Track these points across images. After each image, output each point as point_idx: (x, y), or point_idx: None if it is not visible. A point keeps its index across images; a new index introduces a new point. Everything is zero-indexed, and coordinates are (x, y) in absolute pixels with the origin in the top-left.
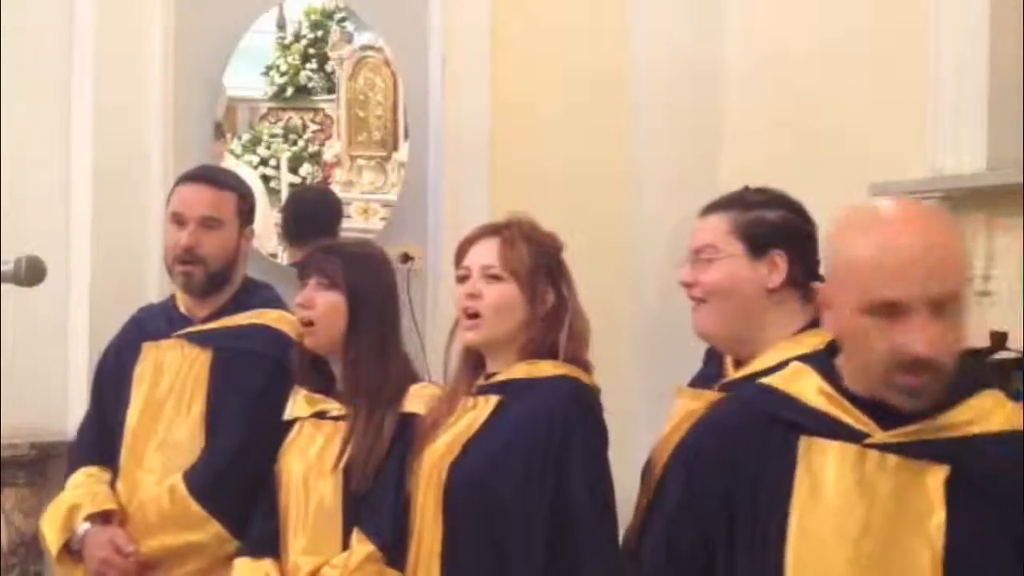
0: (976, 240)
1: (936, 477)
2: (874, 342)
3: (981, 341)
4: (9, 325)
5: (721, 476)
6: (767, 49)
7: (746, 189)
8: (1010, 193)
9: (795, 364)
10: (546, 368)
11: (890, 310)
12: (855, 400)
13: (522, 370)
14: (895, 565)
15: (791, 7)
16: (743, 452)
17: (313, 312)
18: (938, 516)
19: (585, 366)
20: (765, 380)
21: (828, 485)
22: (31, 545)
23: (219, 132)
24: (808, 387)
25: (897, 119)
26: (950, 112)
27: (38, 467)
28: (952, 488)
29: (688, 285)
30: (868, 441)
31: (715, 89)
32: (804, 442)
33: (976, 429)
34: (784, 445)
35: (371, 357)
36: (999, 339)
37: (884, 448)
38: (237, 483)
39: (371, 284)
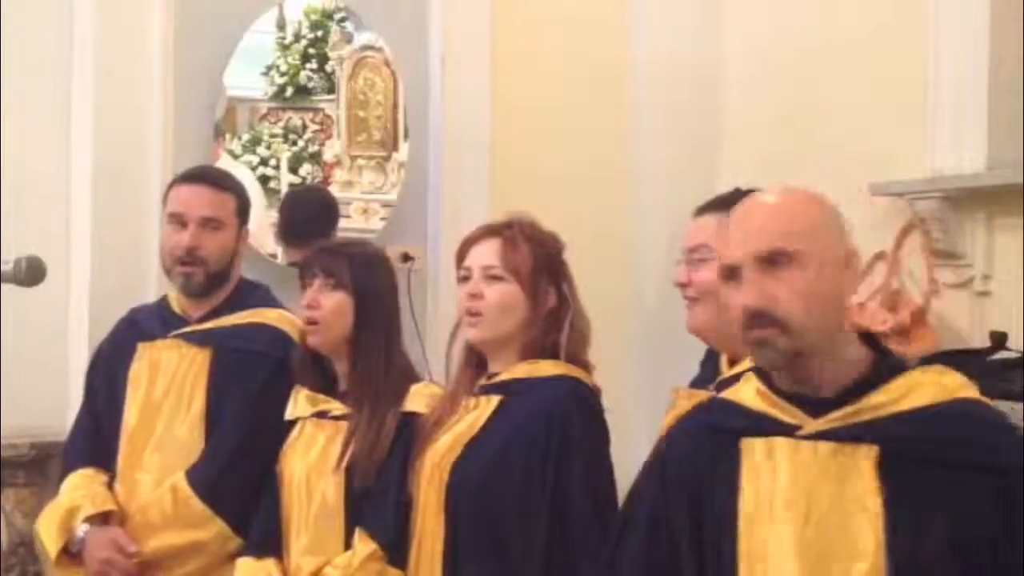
0: (976, 240)
1: (867, 458)
2: (729, 307)
3: (981, 341)
4: (9, 325)
5: (684, 486)
6: (767, 49)
7: (738, 191)
8: (1010, 193)
9: (747, 372)
10: (547, 368)
11: (731, 273)
12: (787, 396)
13: (523, 370)
14: (839, 548)
15: (791, 7)
16: (700, 460)
17: (319, 312)
18: (874, 496)
19: (585, 366)
20: (720, 394)
21: (767, 481)
22: (31, 545)
23: (219, 132)
24: (749, 392)
25: (897, 119)
26: (950, 112)
27: (38, 467)
28: (885, 467)
29: (682, 285)
30: (800, 432)
31: (715, 89)
32: (745, 444)
33: (904, 406)
34: (730, 450)
35: (378, 356)
36: (999, 339)
37: (817, 437)
38: (239, 481)
39: (377, 284)
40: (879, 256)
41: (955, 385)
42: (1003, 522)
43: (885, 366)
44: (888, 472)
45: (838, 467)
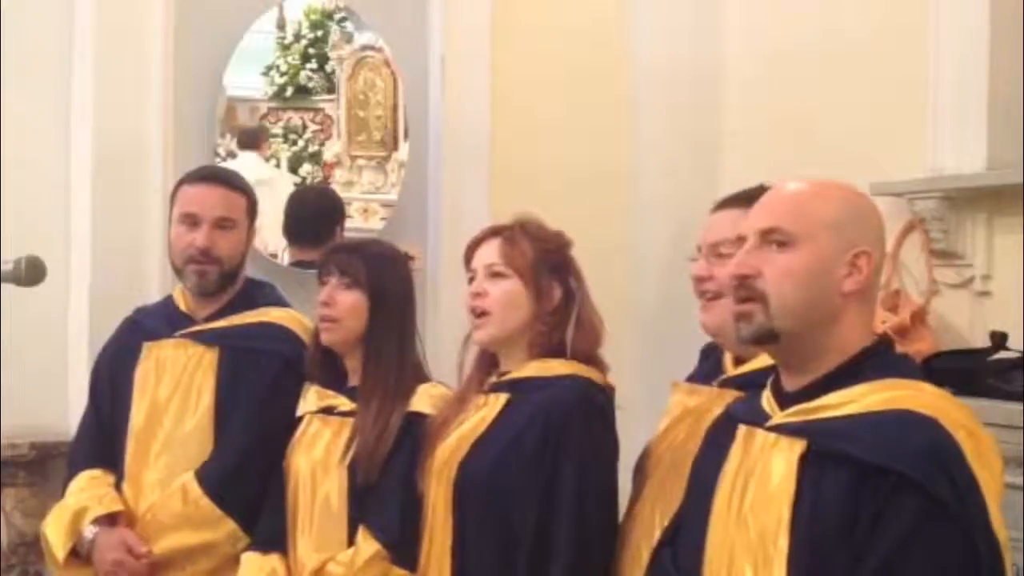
0: (976, 240)
1: (794, 452)
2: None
3: (981, 341)
4: (9, 325)
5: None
6: (767, 49)
7: (761, 187)
8: (1010, 193)
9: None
10: (556, 367)
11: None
12: (777, 388)
13: (533, 369)
14: (757, 531)
15: (791, 7)
16: (717, 442)
17: (334, 311)
18: (789, 487)
19: (599, 364)
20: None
21: (731, 465)
22: (31, 545)
23: (219, 132)
24: (769, 383)
25: (897, 119)
26: (950, 112)
27: (38, 467)
28: (807, 462)
29: (702, 279)
30: (768, 423)
31: (715, 89)
32: (740, 430)
33: (847, 410)
34: (733, 434)
35: (391, 355)
36: (999, 339)
37: (773, 428)
38: (249, 481)
39: (392, 283)
40: None
41: (909, 399)
42: (872, 520)
43: (850, 371)
44: (807, 467)
45: (773, 457)
